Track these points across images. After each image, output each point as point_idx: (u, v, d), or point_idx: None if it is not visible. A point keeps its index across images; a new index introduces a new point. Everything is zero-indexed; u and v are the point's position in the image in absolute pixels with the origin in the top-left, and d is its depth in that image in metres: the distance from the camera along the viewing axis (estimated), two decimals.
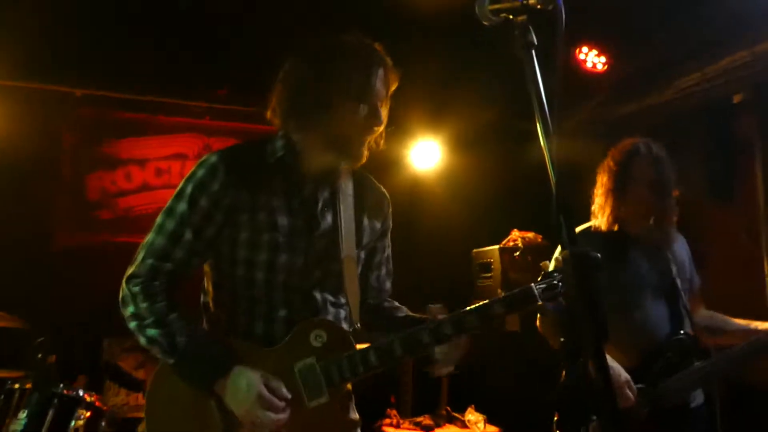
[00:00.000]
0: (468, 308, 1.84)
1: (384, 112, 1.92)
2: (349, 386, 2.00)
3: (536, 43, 1.39)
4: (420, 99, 4.73)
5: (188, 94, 5.37)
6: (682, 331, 2.69)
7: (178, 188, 1.90)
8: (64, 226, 5.13)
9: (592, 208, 2.84)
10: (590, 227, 2.83)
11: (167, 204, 1.90)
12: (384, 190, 2.16)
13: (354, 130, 1.89)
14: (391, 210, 2.15)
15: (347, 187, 2.02)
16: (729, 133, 4.72)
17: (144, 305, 1.81)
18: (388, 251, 2.18)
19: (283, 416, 1.76)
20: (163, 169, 5.47)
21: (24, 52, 4.35)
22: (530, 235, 5.01)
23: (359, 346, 1.88)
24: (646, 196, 2.73)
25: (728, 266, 4.41)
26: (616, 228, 2.76)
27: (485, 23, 1.46)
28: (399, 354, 1.82)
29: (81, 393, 3.49)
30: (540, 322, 2.86)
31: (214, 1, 4.39)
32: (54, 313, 4.32)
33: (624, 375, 2.52)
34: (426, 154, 5.85)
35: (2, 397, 3.44)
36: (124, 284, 1.86)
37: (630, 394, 2.49)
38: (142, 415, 1.94)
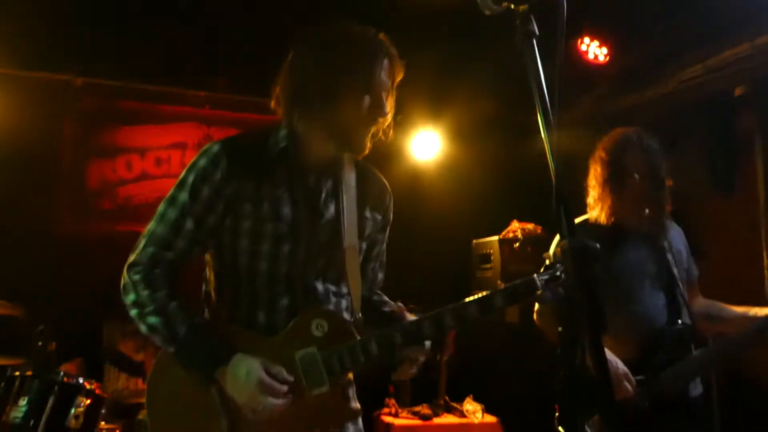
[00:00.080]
0: (469, 299, 1.83)
1: (389, 103, 1.91)
2: (350, 376, 2.00)
3: (537, 32, 1.39)
4: (420, 90, 4.73)
5: (189, 83, 5.37)
6: (680, 321, 2.69)
7: (180, 177, 1.90)
8: (64, 215, 5.13)
9: (587, 200, 2.84)
10: (587, 220, 2.83)
11: (169, 193, 1.90)
12: (385, 181, 2.16)
13: (358, 120, 1.88)
14: (392, 203, 2.15)
15: (350, 178, 2.02)
16: (730, 126, 4.72)
17: (145, 293, 1.82)
18: (384, 245, 2.19)
19: (284, 401, 1.76)
20: (162, 158, 5.47)
21: (25, 41, 4.35)
22: (530, 226, 5.02)
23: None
24: (640, 186, 2.73)
25: (728, 259, 4.42)
26: (612, 220, 2.76)
27: (486, 13, 1.45)
28: (399, 344, 1.82)
29: (81, 380, 3.50)
30: (537, 315, 2.86)
31: None
32: (54, 300, 4.33)
33: (622, 367, 2.52)
34: (426, 145, 5.84)
35: (2, 384, 3.44)
36: (125, 272, 1.87)
37: (629, 386, 2.50)
38: (142, 400, 1.95)
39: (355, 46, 1.88)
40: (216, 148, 1.90)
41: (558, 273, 1.75)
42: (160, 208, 1.90)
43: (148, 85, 5.29)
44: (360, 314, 1.97)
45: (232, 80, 5.36)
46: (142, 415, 3.88)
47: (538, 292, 1.77)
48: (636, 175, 2.74)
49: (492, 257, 5.13)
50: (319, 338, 1.84)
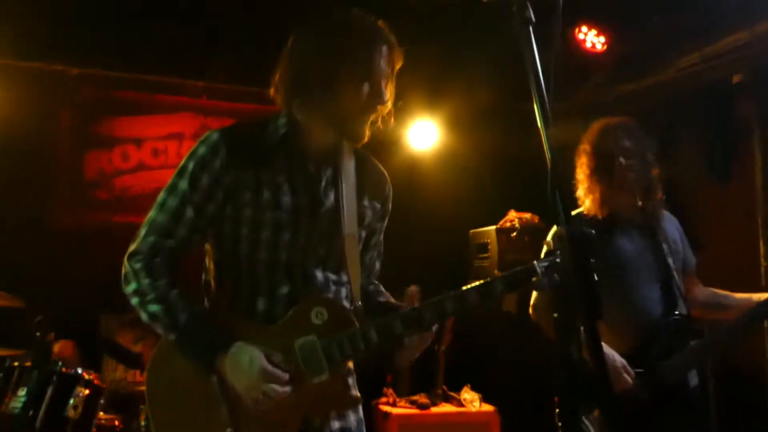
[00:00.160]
0: (469, 286, 1.83)
1: (388, 91, 1.91)
2: (350, 365, 2.01)
3: (534, 19, 1.38)
4: (418, 79, 4.72)
5: (186, 73, 5.35)
6: (676, 312, 2.68)
7: (180, 165, 1.90)
8: (61, 206, 5.13)
9: (578, 194, 2.83)
10: (580, 213, 2.83)
11: (169, 181, 1.90)
12: (384, 171, 2.15)
13: (357, 108, 1.88)
14: (391, 192, 2.15)
15: (349, 166, 2.01)
16: (728, 114, 4.72)
17: (146, 282, 1.82)
18: (382, 234, 2.18)
19: (286, 389, 1.77)
20: (159, 149, 5.46)
21: (21, 31, 4.32)
22: (527, 215, 5.02)
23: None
24: (627, 169, 2.72)
25: (725, 248, 4.42)
26: (605, 211, 2.75)
27: (484, 0, 1.45)
28: (399, 332, 1.82)
29: (80, 371, 3.52)
30: (532, 310, 2.86)
31: None
32: (52, 291, 4.33)
33: (619, 359, 2.52)
34: (423, 135, 5.84)
35: (1, 375, 3.45)
36: (126, 261, 1.87)
37: (627, 378, 2.50)
38: (142, 388, 1.95)
39: (354, 33, 1.87)
40: (215, 136, 1.89)
41: (558, 260, 1.75)
42: (160, 196, 1.89)
43: (144, 75, 5.28)
44: (360, 302, 1.97)
45: (230, 70, 5.34)
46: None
47: (535, 279, 1.77)
48: (621, 159, 2.73)
49: (489, 247, 5.13)
50: (318, 326, 1.84)
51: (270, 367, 1.75)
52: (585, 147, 2.83)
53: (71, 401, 3.42)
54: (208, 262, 2.00)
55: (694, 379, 2.71)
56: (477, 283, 1.83)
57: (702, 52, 4.48)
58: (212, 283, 1.97)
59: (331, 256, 1.97)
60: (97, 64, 5.09)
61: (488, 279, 1.84)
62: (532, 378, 4.47)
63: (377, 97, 1.88)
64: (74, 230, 5.02)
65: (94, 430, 3.56)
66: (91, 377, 3.55)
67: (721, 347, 2.75)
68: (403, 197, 2.16)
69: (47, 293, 4.20)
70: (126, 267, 1.86)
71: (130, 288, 1.85)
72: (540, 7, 1.42)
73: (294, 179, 1.92)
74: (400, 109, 2.03)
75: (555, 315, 1.32)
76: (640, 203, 2.77)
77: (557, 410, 2.56)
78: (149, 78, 5.32)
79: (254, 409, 1.78)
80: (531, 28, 1.38)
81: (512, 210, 5.10)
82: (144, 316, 1.83)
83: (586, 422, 2.46)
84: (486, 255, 5.18)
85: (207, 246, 1.98)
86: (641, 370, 2.56)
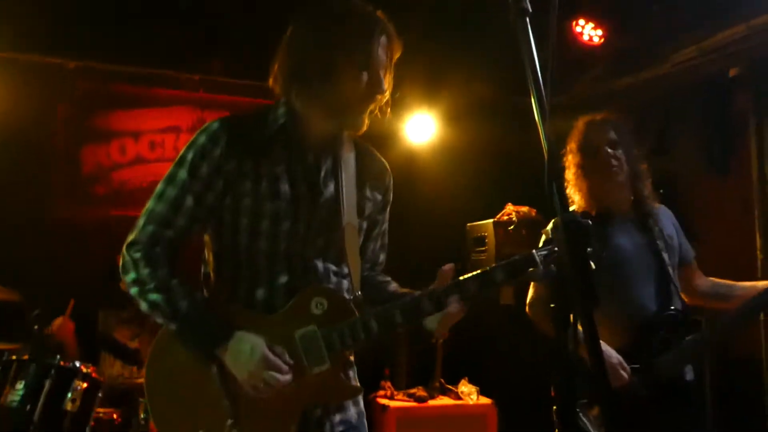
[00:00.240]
0: (469, 275, 1.83)
1: (387, 80, 1.91)
2: (351, 357, 2.01)
3: (530, 9, 1.38)
4: (415, 72, 4.71)
5: (182, 66, 5.34)
6: (672, 308, 2.68)
7: (179, 155, 1.89)
8: (59, 200, 5.12)
9: (568, 191, 2.81)
10: (573, 211, 2.82)
11: (168, 170, 1.90)
12: (385, 161, 2.15)
13: (355, 97, 1.87)
14: (392, 183, 2.15)
15: (349, 157, 2.01)
16: (724, 108, 4.72)
17: (146, 271, 1.82)
18: (386, 225, 2.18)
19: (287, 378, 1.77)
20: (157, 142, 5.45)
21: (18, 24, 4.31)
22: (525, 209, 5.02)
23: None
24: (612, 155, 2.72)
25: (722, 241, 4.43)
26: (597, 207, 2.74)
27: None
28: (399, 321, 1.82)
29: (78, 364, 3.52)
30: (528, 307, 2.85)
31: None
32: (50, 285, 4.33)
33: (615, 355, 2.51)
34: (421, 128, 5.82)
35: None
36: (124, 251, 1.86)
37: (623, 374, 2.50)
38: (140, 381, 1.95)
39: (353, 22, 1.87)
40: (216, 125, 1.89)
41: (556, 248, 1.74)
42: (159, 186, 1.89)
43: (141, 68, 5.27)
44: (359, 292, 1.97)
45: (227, 64, 5.34)
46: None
47: (531, 270, 1.77)
48: (607, 148, 2.73)
49: (486, 240, 5.13)
50: (318, 316, 1.84)
51: (271, 356, 1.75)
52: (571, 146, 2.83)
53: (69, 395, 3.42)
54: (208, 254, 1.99)
55: (689, 374, 2.70)
56: (477, 272, 1.84)
57: (699, 45, 4.48)
58: (212, 274, 1.97)
59: (331, 247, 1.97)
60: (95, 58, 5.07)
61: (488, 267, 1.84)
62: (530, 371, 4.47)
63: (376, 87, 1.87)
64: (72, 224, 5.01)
65: (92, 423, 3.56)
66: (89, 371, 3.55)
67: (717, 342, 2.74)
68: (400, 191, 2.16)
69: (45, 287, 4.20)
70: (125, 256, 1.86)
71: (129, 277, 1.84)
72: (537, 0, 1.42)
73: (293, 169, 1.91)
74: (398, 103, 2.03)
75: (552, 306, 1.32)
76: (632, 197, 2.77)
77: (554, 407, 2.56)
78: (146, 71, 5.31)
79: (254, 399, 1.78)
80: (527, 19, 1.37)
81: (509, 203, 5.11)
82: (143, 306, 1.82)
83: (584, 418, 2.46)
84: (483, 248, 5.19)
85: (206, 238, 1.98)
86: (637, 366, 2.56)
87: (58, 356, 3.49)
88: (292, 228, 1.89)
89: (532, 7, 1.40)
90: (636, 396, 2.51)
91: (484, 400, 4.84)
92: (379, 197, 2.10)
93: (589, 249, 1.25)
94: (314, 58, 1.85)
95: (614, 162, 2.72)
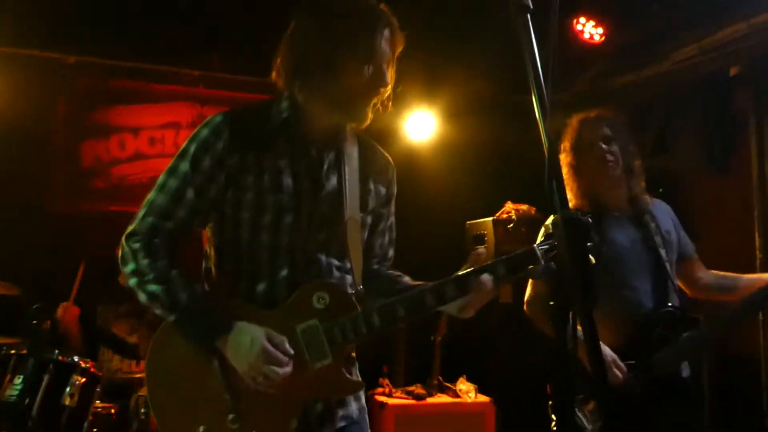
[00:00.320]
0: (471, 269, 1.83)
1: (390, 74, 1.90)
2: (353, 354, 2.00)
3: (531, 6, 1.37)
4: (415, 69, 4.70)
5: (182, 61, 5.33)
6: (669, 304, 2.67)
7: (182, 147, 1.89)
8: (58, 195, 5.12)
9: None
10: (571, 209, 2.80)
11: (170, 163, 1.89)
12: (388, 156, 2.15)
13: (359, 90, 1.87)
14: (395, 176, 2.14)
15: (352, 151, 2.01)
16: (725, 106, 4.72)
17: (145, 262, 1.81)
18: (392, 219, 2.17)
19: (287, 371, 1.76)
20: (156, 137, 5.44)
21: (18, 18, 4.30)
22: (524, 207, 5.02)
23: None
24: (606, 150, 2.71)
25: (721, 239, 4.43)
26: (592, 203, 2.74)
27: None
28: (401, 315, 1.82)
29: (76, 359, 3.52)
30: (526, 305, 2.85)
31: None
32: (48, 280, 4.33)
33: (609, 353, 2.50)
34: (421, 125, 5.82)
35: None
36: (123, 242, 1.85)
37: (618, 372, 2.50)
38: (139, 375, 1.95)
39: (356, 16, 1.86)
40: (219, 119, 1.89)
41: (556, 242, 1.74)
42: (161, 178, 1.88)
43: (141, 64, 5.26)
44: (361, 286, 1.97)
45: (226, 59, 5.33)
46: (142, 391, 3.89)
47: (530, 268, 1.77)
48: (602, 144, 2.73)
49: (486, 238, 5.13)
50: (320, 310, 1.84)
51: (271, 348, 1.74)
52: (565, 145, 2.81)
53: (68, 389, 3.42)
54: (209, 249, 1.99)
55: (686, 370, 2.70)
56: (478, 267, 1.83)
57: (700, 44, 4.47)
58: (213, 269, 1.97)
59: (333, 241, 1.96)
60: (95, 53, 5.07)
61: (490, 262, 1.84)
62: (528, 369, 4.47)
63: (380, 80, 1.87)
64: (71, 219, 5.01)
65: (90, 418, 3.56)
66: (87, 365, 3.55)
67: (716, 339, 2.74)
68: (399, 188, 2.16)
69: (43, 281, 4.20)
70: (124, 247, 1.85)
71: (128, 268, 1.83)
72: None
73: (296, 163, 1.91)
74: (398, 100, 2.03)
75: (551, 304, 1.32)
76: (628, 193, 2.76)
77: (550, 402, 2.56)
78: (146, 67, 5.30)
79: (255, 391, 1.77)
80: (528, 16, 1.37)
81: (509, 201, 5.10)
82: (142, 297, 1.81)
83: (580, 415, 2.46)
84: (483, 247, 5.18)
85: (207, 233, 1.97)
86: (633, 362, 2.55)
87: (57, 351, 3.49)
88: (294, 221, 1.89)
89: (533, 5, 1.39)
90: (631, 394, 2.51)
91: (482, 398, 4.84)
92: (383, 190, 2.09)
93: (589, 243, 1.25)
94: (317, 52, 1.85)
95: (609, 157, 2.71)
